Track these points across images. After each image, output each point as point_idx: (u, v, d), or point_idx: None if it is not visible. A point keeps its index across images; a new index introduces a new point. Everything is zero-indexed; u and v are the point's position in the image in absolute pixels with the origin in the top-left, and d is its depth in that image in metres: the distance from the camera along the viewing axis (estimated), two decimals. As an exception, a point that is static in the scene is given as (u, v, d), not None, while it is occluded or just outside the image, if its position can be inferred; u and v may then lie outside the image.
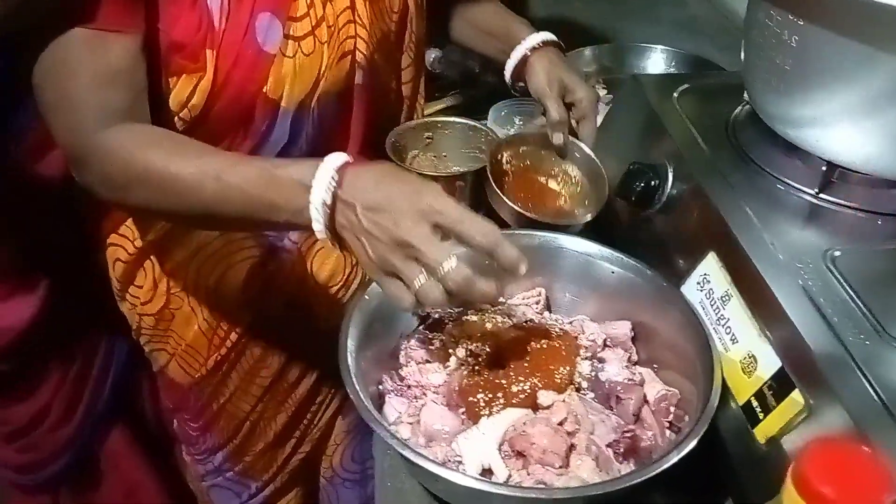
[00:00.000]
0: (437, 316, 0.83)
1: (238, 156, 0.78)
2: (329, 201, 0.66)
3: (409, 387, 0.77)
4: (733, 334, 0.71)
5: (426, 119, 1.05)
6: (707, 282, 0.76)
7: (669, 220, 0.85)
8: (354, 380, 0.68)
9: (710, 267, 0.76)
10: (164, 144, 0.73)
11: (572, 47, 1.43)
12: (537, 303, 0.85)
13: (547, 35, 0.97)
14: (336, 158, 0.67)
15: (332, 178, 0.65)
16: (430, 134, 1.03)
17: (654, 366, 0.79)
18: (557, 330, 0.79)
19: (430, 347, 0.79)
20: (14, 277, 0.99)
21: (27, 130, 0.91)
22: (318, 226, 0.67)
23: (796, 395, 0.63)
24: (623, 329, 0.82)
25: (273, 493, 1.10)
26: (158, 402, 1.14)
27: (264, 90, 0.79)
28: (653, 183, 0.85)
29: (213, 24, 0.75)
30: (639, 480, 0.61)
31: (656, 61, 1.40)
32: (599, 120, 0.99)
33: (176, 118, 0.79)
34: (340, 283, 0.99)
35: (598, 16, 1.63)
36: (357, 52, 0.85)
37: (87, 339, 1.10)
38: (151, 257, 0.93)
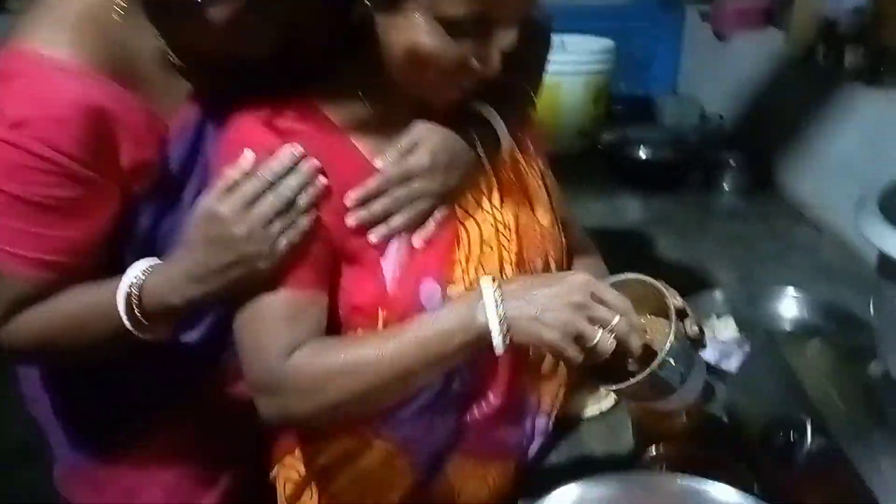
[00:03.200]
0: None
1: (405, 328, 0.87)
2: (500, 297, 0.79)
3: None
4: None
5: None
6: (852, 545, 0.77)
7: (814, 476, 0.87)
8: None
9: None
10: (341, 343, 0.86)
11: (703, 289, 1.50)
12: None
13: None
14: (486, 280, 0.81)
15: (495, 288, 0.79)
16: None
17: None
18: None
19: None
20: (195, 482, 1.09)
21: (228, 360, 1.03)
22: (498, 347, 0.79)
23: None
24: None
25: None
26: None
27: None
28: (792, 438, 0.89)
29: (387, 290, 0.89)
30: None
31: (789, 305, 1.44)
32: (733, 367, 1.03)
33: None
34: None
35: (729, 257, 1.70)
36: None
37: None
38: (316, 484, 1.02)
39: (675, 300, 0.86)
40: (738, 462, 0.96)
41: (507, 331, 0.79)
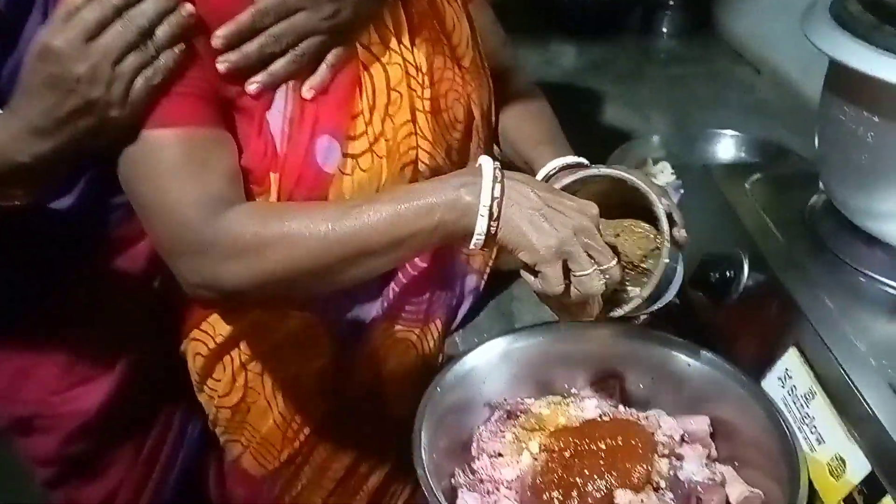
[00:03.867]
0: (508, 407, 0.83)
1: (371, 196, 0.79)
2: (500, 176, 0.70)
3: (481, 481, 0.76)
4: (819, 434, 0.69)
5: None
6: (789, 378, 0.74)
7: (747, 313, 0.84)
8: (428, 475, 0.69)
9: (792, 363, 0.74)
10: (285, 208, 0.76)
11: (640, 134, 1.47)
12: (611, 396, 0.84)
13: (566, 160, 0.91)
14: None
15: (496, 166, 0.70)
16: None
17: (736, 464, 0.77)
18: (633, 425, 0.78)
19: (503, 440, 0.79)
20: (90, 361, 1.02)
21: (115, 226, 0.95)
22: (476, 244, 0.70)
23: (889, 502, 0.60)
24: (701, 424, 0.79)
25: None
26: (225, 488, 1.14)
27: None
28: (728, 274, 0.85)
29: (276, 150, 0.77)
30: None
31: (726, 146, 1.39)
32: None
33: None
34: (416, 374, 1.00)
35: (666, 101, 1.66)
36: (419, 162, 0.85)
37: (159, 423, 1.11)
38: (232, 352, 0.95)
39: (662, 203, 0.76)
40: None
41: (496, 219, 0.69)
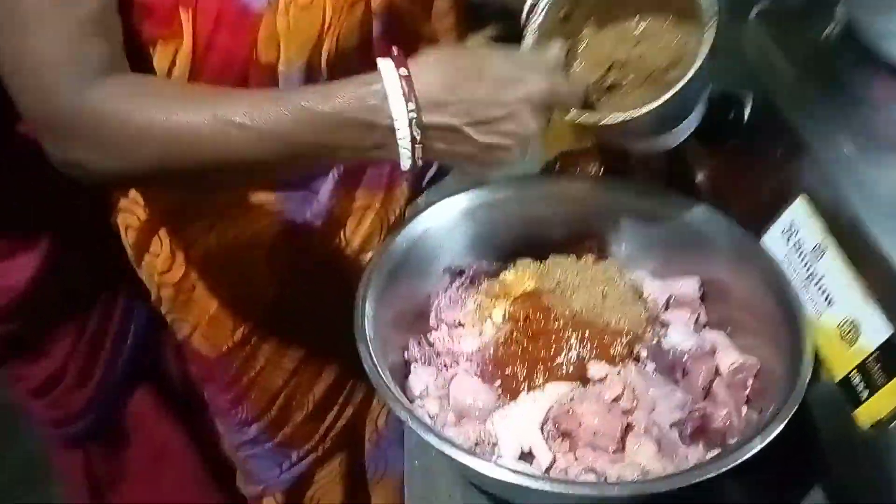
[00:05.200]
0: (471, 272, 0.72)
1: (263, 93, 0.67)
2: (418, 137, 0.57)
3: (438, 354, 0.67)
4: (828, 295, 0.59)
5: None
6: (795, 232, 0.63)
7: (748, 160, 0.72)
8: (372, 349, 0.59)
9: (799, 214, 0.63)
10: (165, 92, 0.63)
11: None
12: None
13: None
14: (385, 64, 0.57)
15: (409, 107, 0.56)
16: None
17: (728, 330, 0.68)
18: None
19: (464, 309, 0.69)
20: (13, 235, 0.93)
21: None
22: (406, 161, 0.58)
23: (912, 370, 0.51)
24: (690, 287, 0.70)
25: (315, 461, 1.03)
26: (185, 366, 1.07)
27: (254, 55, 0.68)
28: (729, 115, 0.72)
29: None
30: (715, 473, 0.50)
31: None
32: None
33: None
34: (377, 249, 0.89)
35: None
36: None
37: (102, 301, 1.04)
38: (166, 225, 0.84)
39: None
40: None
41: (418, 141, 0.57)
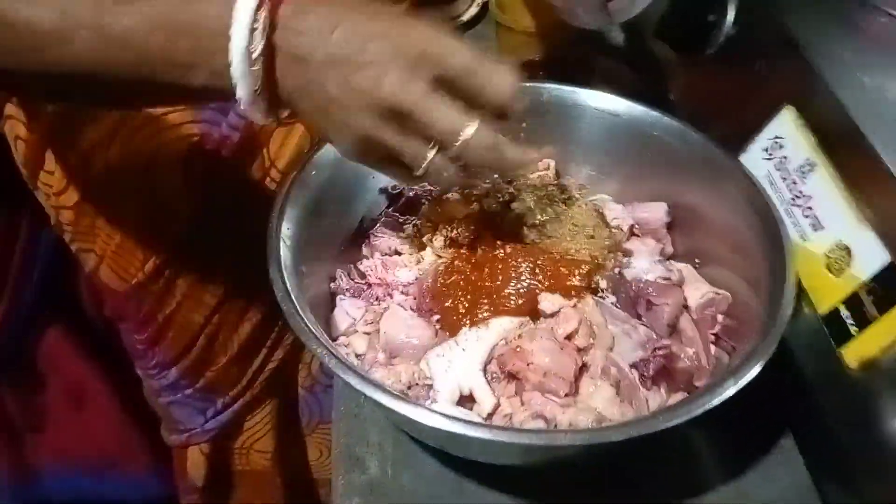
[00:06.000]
0: (411, 194, 0.63)
1: None
2: (257, 51, 0.44)
3: (369, 285, 0.58)
4: (815, 217, 0.51)
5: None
6: (779, 147, 0.55)
7: (728, 69, 0.64)
8: (286, 276, 0.50)
9: (785, 126, 0.55)
10: None
11: None
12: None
13: None
14: None
15: (255, 18, 0.43)
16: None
17: (697, 261, 0.60)
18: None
19: (400, 235, 0.60)
20: None
21: None
22: (244, 91, 0.45)
23: (910, 303, 0.43)
24: (657, 212, 0.62)
25: (243, 406, 0.95)
26: (100, 303, 0.97)
27: None
28: (707, 17, 0.63)
29: None
30: (680, 420, 0.42)
31: None
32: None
33: None
34: None
35: None
36: None
37: (1, 224, 0.93)
38: (53, 138, 0.73)
39: None
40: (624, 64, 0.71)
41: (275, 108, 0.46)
